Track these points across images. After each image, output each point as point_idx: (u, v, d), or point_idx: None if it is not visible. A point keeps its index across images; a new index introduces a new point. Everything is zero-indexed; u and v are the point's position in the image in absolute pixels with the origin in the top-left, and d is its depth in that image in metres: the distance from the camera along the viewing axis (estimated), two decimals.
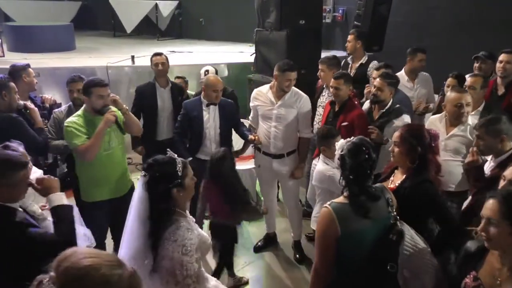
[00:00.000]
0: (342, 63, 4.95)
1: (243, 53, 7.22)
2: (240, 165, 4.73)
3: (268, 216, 4.10)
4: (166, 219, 1.92)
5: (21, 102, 3.16)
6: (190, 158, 3.58)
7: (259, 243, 4.15)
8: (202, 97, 3.72)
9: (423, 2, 6.37)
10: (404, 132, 2.40)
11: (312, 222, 3.42)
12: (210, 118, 3.69)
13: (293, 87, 3.67)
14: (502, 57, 3.82)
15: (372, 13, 5.53)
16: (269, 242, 4.18)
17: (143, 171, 1.95)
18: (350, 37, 4.78)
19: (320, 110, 4.11)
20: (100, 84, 2.98)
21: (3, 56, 6.07)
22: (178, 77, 4.98)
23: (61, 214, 2.03)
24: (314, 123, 4.16)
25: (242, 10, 7.90)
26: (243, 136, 3.88)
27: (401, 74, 4.49)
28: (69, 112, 3.45)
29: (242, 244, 4.06)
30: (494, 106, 3.56)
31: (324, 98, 4.12)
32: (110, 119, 2.96)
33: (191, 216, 2.06)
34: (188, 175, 2.03)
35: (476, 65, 4.23)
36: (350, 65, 4.86)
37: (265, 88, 3.77)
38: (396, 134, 2.45)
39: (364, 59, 4.80)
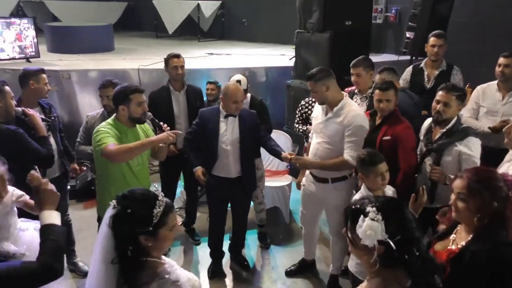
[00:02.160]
0: (411, 69, 4.34)
1: (284, 56, 6.76)
2: (272, 182, 4.29)
3: (307, 243, 3.63)
4: (137, 270, 1.51)
5: (19, 109, 2.87)
6: (198, 167, 3.28)
7: (292, 267, 3.68)
8: (220, 107, 3.32)
9: (490, 1, 5.56)
10: (472, 182, 1.75)
11: (350, 260, 2.86)
12: (228, 131, 3.27)
13: (347, 100, 3.07)
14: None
15: (430, 12, 4.90)
16: (303, 268, 3.68)
17: (115, 201, 1.56)
18: (441, 41, 4.10)
19: None
20: (139, 90, 2.78)
21: (39, 57, 5.99)
22: (210, 83, 4.60)
23: (50, 234, 1.70)
24: None
25: (286, 11, 7.46)
26: (273, 152, 3.39)
27: (492, 83, 3.79)
28: (103, 119, 3.29)
29: (275, 267, 3.62)
30: None
31: (359, 105, 3.58)
32: (169, 139, 2.79)
33: (169, 260, 1.63)
34: (167, 225, 1.57)
35: None
36: (426, 73, 4.21)
37: None
38: (460, 183, 1.79)
39: (444, 66, 4.15)
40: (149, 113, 2.87)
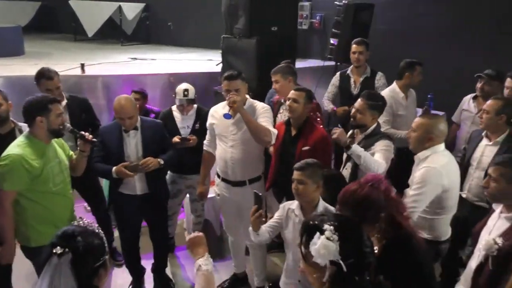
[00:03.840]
0: (338, 76, 4.42)
1: (212, 61, 6.60)
2: None
3: (234, 253, 3.54)
4: None
5: None
6: (113, 168, 2.98)
7: (223, 284, 3.57)
8: None
9: (410, 9, 5.86)
10: (351, 214, 1.73)
11: (282, 278, 2.75)
12: (131, 145, 3.07)
13: (251, 99, 3.16)
14: (508, 82, 3.21)
15: (352, 20, 5.02)
16: (235, 284, 3.58)
17: (58, 247, 1.37)
18: (361, 48, 4.21)
19: None
20: (57, 100, 2.58)
21: None
22: (135, 92, 4.27)
23: None
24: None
25: (213, 14, 7.29)
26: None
27: (394, 90, 3.91)
28: None
29: None
30: None
31: (284, 116, 3.59)
32: None
33: None
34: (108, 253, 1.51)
35: (478, 85, 3.65)
36: (352, 80, 4.28)
37: (222, 103, 3.23)
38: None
39: (368, 72, 4.26)
40: (68, 125, 2.66)
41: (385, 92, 3.87)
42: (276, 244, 3.70)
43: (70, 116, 3.42)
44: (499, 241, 2.00)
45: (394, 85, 3.93)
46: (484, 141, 2.97)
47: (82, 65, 5.30)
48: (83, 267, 1.38)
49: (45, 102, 2.49)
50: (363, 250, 1.34)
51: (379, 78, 4.25)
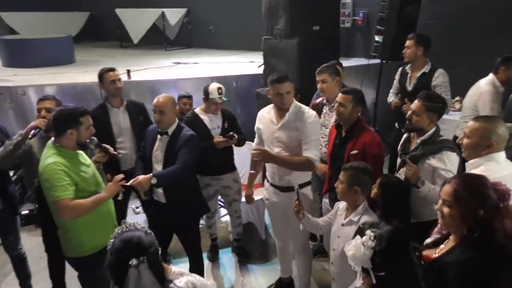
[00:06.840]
0: (400, 71, 4.25)
1: (254, 63, 6.60)
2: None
3: (281, 258, 3.46)
4: None
5: None
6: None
7: None
8: None
9: (456, 2, 5.58)
10: (459, 188, 1.62)
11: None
12: (159, 149, 3.05)
13: (297, 103, 3.00)
14: None
15: (398, 15, 4.84)
16: None
17: (134, 260, 1.47)
18: (409, 43, 4.04)
19: (326, 131, 3.50)
20: (88, 112, 2.55)
21: None
22: (183, 97, 4.22)
23: None
24: (320, 146, 3.51)
25: (254, 16, 7.30)
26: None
27: (495, 83, 3.84)
28: (42, 140, 2.87)
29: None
30: None
31: (328, 116, 3.52)
32: (115, 191, 2.57)
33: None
34: None
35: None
36: (409, 75, 4.12)
37: (268, 107, 3.14)
38: (447, 189, 1.66)
39: (426, 68, 4.01)
40: (95, 138, 2.71)
41: (486, 85, 3.85)
42: (323, 249, 3.64)
43: (130, 117, 3.55)
44: None
45: (493, 77, 3.85)
46: None
47: (128, 71, 5.47)
48: (157, 266, 1.52)
49: (76, 115, 2.47)
50: (399, 267, 1.28)
51: (438, 75, 3.92)
